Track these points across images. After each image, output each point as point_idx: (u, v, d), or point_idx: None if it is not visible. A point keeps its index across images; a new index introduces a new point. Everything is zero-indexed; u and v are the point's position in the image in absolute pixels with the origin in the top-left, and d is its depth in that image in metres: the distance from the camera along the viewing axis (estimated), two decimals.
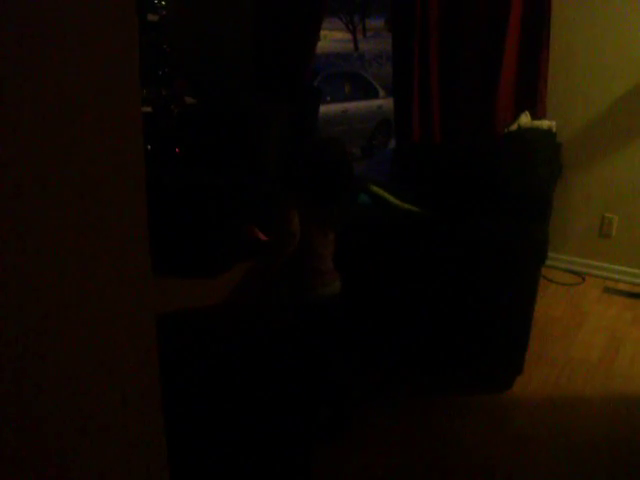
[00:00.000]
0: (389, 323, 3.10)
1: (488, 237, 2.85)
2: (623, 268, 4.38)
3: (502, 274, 2.87)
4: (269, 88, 5.03)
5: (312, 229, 2.44)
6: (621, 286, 4.32)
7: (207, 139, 4.89)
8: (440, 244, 2.89)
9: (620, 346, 3.57)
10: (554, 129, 3.91)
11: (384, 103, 9.68)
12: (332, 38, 23.32)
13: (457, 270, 2.93)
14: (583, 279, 4.39)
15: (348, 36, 23.50)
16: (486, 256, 2.85)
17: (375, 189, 3.20)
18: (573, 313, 3.95)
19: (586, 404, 3.05)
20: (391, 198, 3.17)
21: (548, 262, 4.36)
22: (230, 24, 5.37)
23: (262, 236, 2.61)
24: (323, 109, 9.03)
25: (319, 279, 2.50)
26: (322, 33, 20.24)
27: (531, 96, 4.15)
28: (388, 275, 3.00)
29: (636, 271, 4.34)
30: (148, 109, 4.92)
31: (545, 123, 3.90)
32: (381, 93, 9.98)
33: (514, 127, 3.87)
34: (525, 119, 3.98)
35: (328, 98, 9.30)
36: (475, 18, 4.21)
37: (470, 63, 4.30)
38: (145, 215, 1.10)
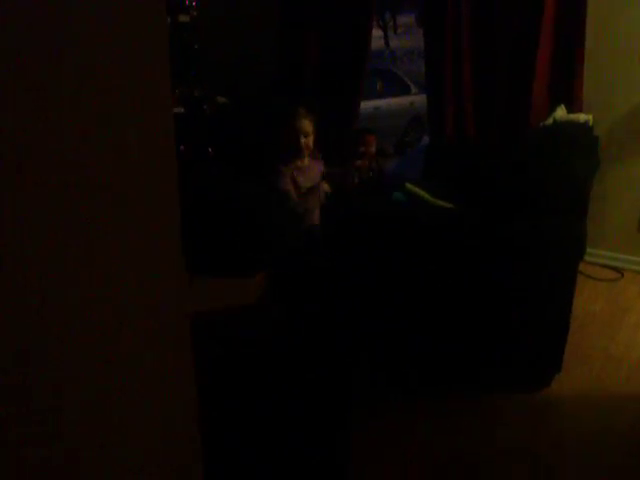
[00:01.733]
0: (425, 322, 3.06)
1: (524, 233, 2.80)
2: None
3: (539, 270, 2.83)
4: (298, 86, 5.02)
5: None
6: None
7: (240, 139, 4.89)
8: (475, 240, 2.85)
9: None
10: (591, 122, 3.84)
11: (416, 99, 9.61)
12: None
13: (493, 267, 2.88)
14: (622, 275, 4.31)
15: (379, 33, 23.40)
16: (522, 252, 2.80)
17: (409, 186, 3.17)
18: (612, 309, 3.88)
19: (626, 403, 2.99)
20: (425, 195, 3.14)
21: (586, 258, 4.28)
22: (260, 23, 5.36)
23: None
24: None
25: None
26: None
27: (567, 89, 4.08)
28: (423, 272, 2.96)
29: None
30: (180, 110, 4.93)
31: (581, 117, 3.82)
32: (413, 89, 9.92)
33: (549, 121, 3.81)
34: (561, 113, 3.92)
35: None
36: (508, 11, 4.15)
37: (503, 56, 4.24)
38: (177, 222, 1.10)
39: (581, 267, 4.05)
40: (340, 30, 4.90)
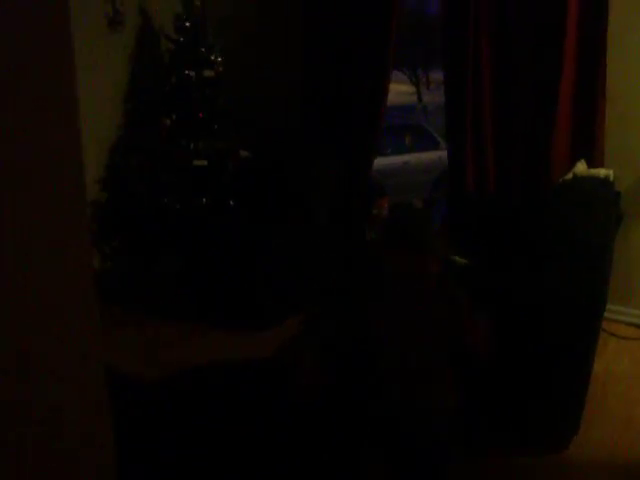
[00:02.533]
0: None
1: (536, 289, 2.73)
2: None
3: (553, 328, 2.75)
4: (322, 142, 5.03)
5: None
6: None
7: (261, 192, 4.91)
8: (485, 296, 2.79)
9: None
10: (611, 177, 3.78)
11: (445, 155, 9.61)
12: (396, 91, 23.48)
13: (510, 325, 2.81)
14: None
15: (412, 89, 23.66)
16: (535, 309, 2.73)
17: None
18: (636, 369, 3.76)
19: None
20: None
21: (611, 315, 4.19)
22: (284, 78, 5.43)
23: None
24: (384, 161, 9.05)
25: None
26: None
27: (587, 144, 4.04)
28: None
29: None
30: (204, 163, 4.98)
31: (602, 172, 3.76)
32: (442, 144, 9.93)
33: (569, 176, 3.75)
34: (581, 167, 3.86)
35: (389, 150, 9.31)
36: (528, 66, 4.15)
37: (524, 111, 4.22)
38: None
39: (604, 325, 3.96)
40: (357, 88, 4.94)
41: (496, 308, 2.77)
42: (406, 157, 9.53)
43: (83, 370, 1.12)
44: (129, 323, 4.44)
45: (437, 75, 23.12)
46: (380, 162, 8.61)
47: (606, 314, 4.06)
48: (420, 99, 22.26)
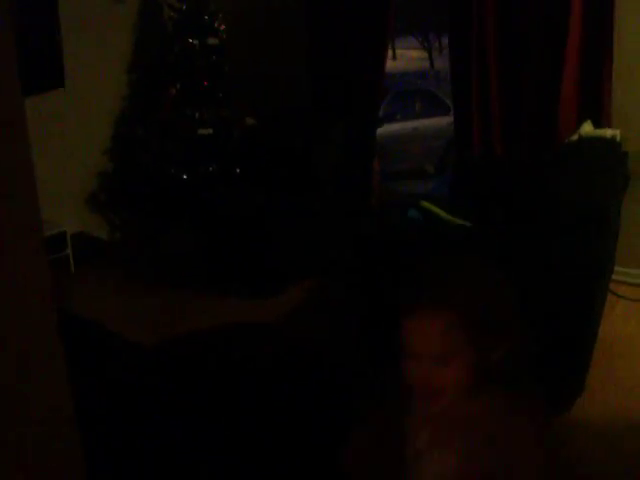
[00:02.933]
0: None
1: (539, 252, 2.72)
2: None
3: (556, 291, 2.73)
4: (327, 108, 5.00)
5: None
6: None
7: (266, 160, 4.90)
8: (490, 259, 2.78)
9: None
10: (618, 138, 3.73)
11: None
12: (409, 57, 23.24)
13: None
14: None
15: (424, 54, 23.40)
16: (538, 272, 2.72)
17: (425, 204, 3.12)
18: None
19: None
20: (442, 213, 3.08)
21: (619, 277, 4.16)
22: (288, 45, 5.38)
23: None
24: (395, 127, 9.00)
25: None
26: (398, 52, 20.10)
27: (594, 104, 3.99)
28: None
29: None
30: (209, 131, 4.98)
31: (608, 132, 3.72)
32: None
33: (575, 137, 3.71)
34: (588, 128, 3.82)
35: (399, 116, 9.26)
36: (534, 26, 4.09)
37: (530, 72, 4.17)
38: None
39: (612, 287, 3.94)
40: (359, 53, 4.90)
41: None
42: (416, 123, 9.47)
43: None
44: (138, 292, 4.47)
45: None
46: (389, 128, 8.57)
47: (614, 276, 4.05)
48: (432, 65, 22.04)
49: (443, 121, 9.72)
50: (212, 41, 5.03)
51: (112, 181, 5.31)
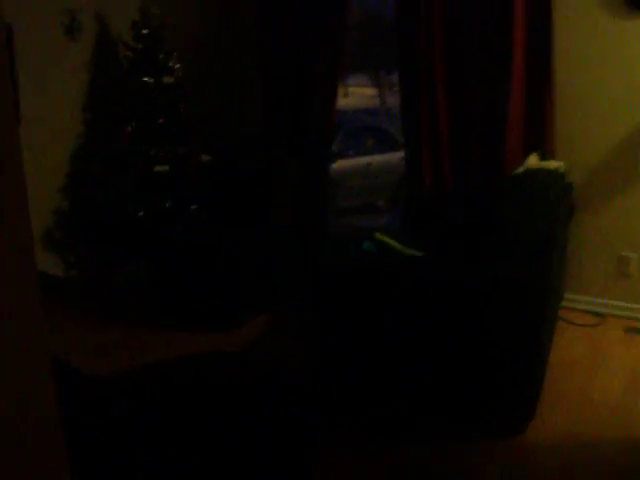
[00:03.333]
0: (390, 370, 3.06)
1: (489, 280, 2.82)
2: None
3: (505, 318, 2.84)
4: (281, 145, 5.09)
5: None
6: None
7: (223, 196, 4.96)
8: (442, 287, 2.88)
9: None
10: (562, 169, 3.89)
11: None
12: (360, 94, 23.56)
13: (460, 315, 2.90)
14: (603, 319, 4.31)
15: (376, 91, 23.75)
16: (488, 299, 2.82)
17: (379, 236, 3.21)
18: (592, 355, 3.87)
19: (603, 451, 2.95)
20: (394, 244, 3.17)
21: (567, 303, 4.32)
22: (242, 82, 5.49)
23: None
24: (348, 163, 9.14)
25: None
26: (350, 89, 20.30)
27: (539, 137, 4.16)
28: (389, 321, 2.98)
29: None
30: (165, 168, 5.02)
31: (552, 164, 3.87)
32: None
33: (521, 169, 3.86)
34: (533, 160, 3.97)
35: (351, 153, 9.40)
36: (479, 64, 4.26)
37: (477, 108, 4.33)
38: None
39: (561, 313, 4.09)
40: (311, 91, 5.02)
41: (446, 296, 2.86)
42: (368, 158, 9.62)
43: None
44: (96, 328, 4.46)
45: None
46: (342, 164, 8.71)
47: (564, 303, 4.21)
48: (383, 102, 22.36)
49: (395, 157, 9.89)
50: (167, 79, 5.10)
51: (68, 218, 5.31)
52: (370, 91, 25.11)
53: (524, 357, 2.90)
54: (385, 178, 9.74)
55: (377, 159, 9.78)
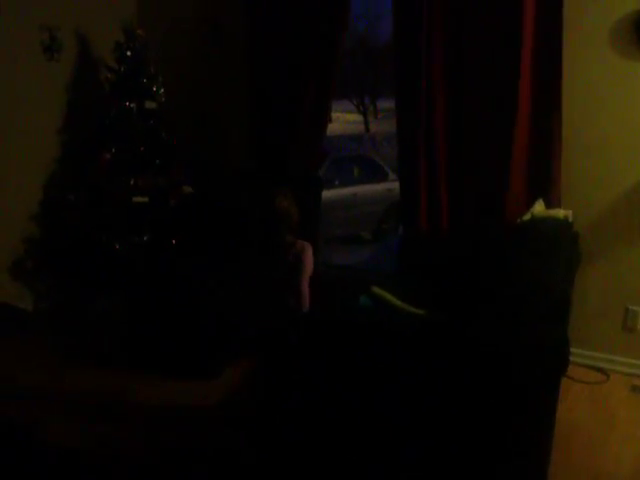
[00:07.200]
0: (386, 439, 2.76)
1: (500, 345, 2.55)
2: None
3: (520, 381, 2.56)
4: (268, 176, 4.83)
5: None
6: None
7: (205, 230, 4.67)
8: (447, 352, 2.60)
9: None
10: (570, 218, 3.66)
11: (393, 186, 9.51)
12: (344, 120, 23.43)
13: (465, 382, 2.62)
14: (608, 377, 4.07)
15: (360, 117, 23.65)
16: (498, 365, 2.55)
17: (377, 291, 2.94)
18: (599, 417, 3.62)
19: None
20: (393, 300, 2.91)
21: (571, 358, 4.05)
22: (229, 110, 5.23)
23: None
24: (333, 193, 8.90)
25: None
26: (334, 115, 20.44)
27: (544, 184, 3.92)
28: (388, 386, 2.68)
29: None
30: (145, 199, 4.74)
31: (561, 212, 3.64)
32: (391, 176, 9.82)
33: (527, 217, 3.62)
34: (539, 208, 3.74)
35: (337, 182, 9.17)
36: (482, 101, 4.03)
37: (479, 148, 4.09)
38: None
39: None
40: (301, 117, 4.78)
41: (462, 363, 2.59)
42: (354, 189, 9.40)
43: None
44: (63, 370, 4.15)
45: (385, 104, 23.30)
46: (327, 194, 8.47)
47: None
48: (367, 128, 22.28)
49: (381, 187, 9.68)
50: (150, 105, 4.85)
51: (39, 247, 4.99)
52: (354, 117, 25.03)
53: (539, 423, 2.63)
54: (370, 208, 9.52)
55: (363, 189, 9.56)
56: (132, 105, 4.77)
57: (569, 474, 3.07)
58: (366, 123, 23.08)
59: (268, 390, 3.61)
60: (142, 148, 4.79)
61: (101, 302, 4.84)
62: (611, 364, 4.14)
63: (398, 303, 2.91)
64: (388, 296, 2.93)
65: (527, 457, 2.72)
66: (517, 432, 2.66)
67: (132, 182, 4.70)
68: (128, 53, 4.77)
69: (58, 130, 4.99)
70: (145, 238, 4.74)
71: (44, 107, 4.87)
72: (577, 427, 3.49)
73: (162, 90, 4.89)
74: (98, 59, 5.08)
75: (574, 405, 3.72)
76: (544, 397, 2.64)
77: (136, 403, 3.71)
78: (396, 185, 9.31)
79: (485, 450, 2.66)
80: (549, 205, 3.82)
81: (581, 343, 4.07)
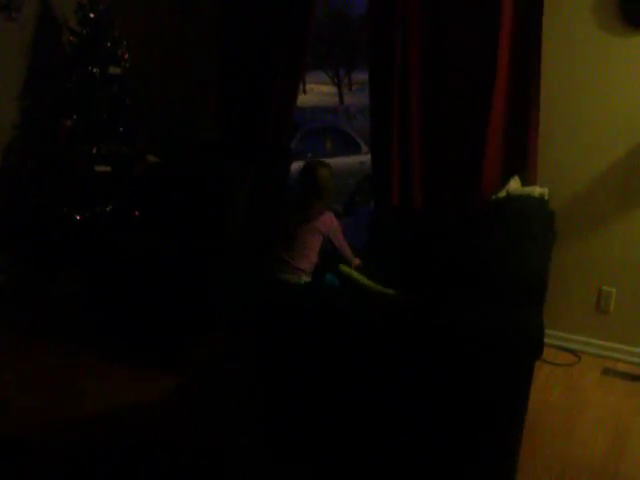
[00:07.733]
0: (356, 429, 2.65)
1: (473, 326, 2.44)
2: (623, 347, 3.98)
3: (493, 372, 2.46)
4: (237, 146, 4.67)
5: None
6: (621, 366, 3.92)
7: (169, 202, 4.50)
8: (418, 333, 2.48)
9: (626, 442, 3.15)
10: (546, 196, 3.55)
11: (367, 159, 9.36)
12: (318, 91, 23.22)
13: (437, 365, 2.50)
14: (579, 358, 3.99)
15: (334, 89, 23.46)
16: (471, 349, 2.44)
17: (345, 269, 2.82)
18: (570, 399, 3.54)
19: None
20: (361, 278, 2.78)
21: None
22: (197, 78, 5.05)
23: None
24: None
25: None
26: (308, 87, 20.22)
27: (521, 159, 3.80)
28: (355, 371, 2.56)
29: (637, 350, 3.94)
30: (107, 168, 4.56)
31: (537, 190, 3.53)
32: (364, 149, 9.67)
33: (502, 194, 3.50)
34: (515, 185, 3.63)
35: (309, 154, 8.99)
36: (461, 71, 3.90)
37: (455, 121, 3.96)
38: None
39: None
40: (271, 85, 4.63)
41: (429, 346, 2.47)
42: (327, 161, 9.23)
43: None
44: (23, 346, 3.99)
45: (359, 76, 23.09)
46: (299, 166, 8.32)
47: None
48: (342, 100, 22.09)
49: (353, 160, 9.53)
50: (114, 70, 4.65)
51: None
52: (328, 89, 24.83)
53: (505, 419, 2.52)
54: (343, 181, 9.37)
55: (336, 161, 9.41)
56: (95, 70, 4.58)
57: (537, 459, 2.98)
58: (340, 95, 22.89)
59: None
60: (105, 115, 4.60)
61: (62, 275, 4.68)
62: (583, 346, 4.06)
63: (366, 282, 2.79)
64: (355, 274, 2.80)
65: (497, 445, 2.62)
66: (487, 420, 2.56)
67: (94, 150, 4.53)
68: (91, 15, 4.56)
69: (17, 95, 4.76)
70: (107, 209, 4.57)
71: (2, 70, 4.64)
72: (547, 410, 3.41)
73: (127, 55, 4.69)
74: (60, 20, 4.85)
75: (544, 387, 3.63)
76: (517, 383, 2.54)
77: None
78: (368, 158, 9.20)
79: (455, 438, 2.56)
80: (525, 182, 3.71)
81: (553, 323, 3.97)
